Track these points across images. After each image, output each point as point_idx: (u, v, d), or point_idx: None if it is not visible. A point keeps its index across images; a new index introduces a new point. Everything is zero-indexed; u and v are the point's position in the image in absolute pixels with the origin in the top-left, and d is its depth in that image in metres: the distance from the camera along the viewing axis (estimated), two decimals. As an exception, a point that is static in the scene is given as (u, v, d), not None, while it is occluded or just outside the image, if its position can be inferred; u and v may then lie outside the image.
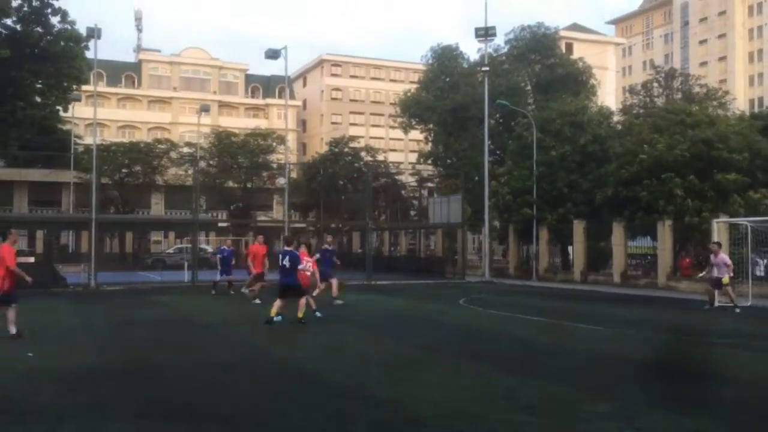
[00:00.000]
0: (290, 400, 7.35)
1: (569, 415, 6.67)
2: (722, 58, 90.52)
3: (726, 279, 17.65)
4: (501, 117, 42.57)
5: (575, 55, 54.00)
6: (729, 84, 78.90)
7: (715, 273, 17.87)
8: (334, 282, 18.34)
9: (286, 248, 14.07)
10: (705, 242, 26.14)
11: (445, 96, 44.43)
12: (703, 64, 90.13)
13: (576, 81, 44.06)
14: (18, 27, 37.54)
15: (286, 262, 13.52)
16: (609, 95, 68.34)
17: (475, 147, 40.07)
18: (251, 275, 20.08)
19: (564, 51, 54.11)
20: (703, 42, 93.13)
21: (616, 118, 37.88)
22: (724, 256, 18.08)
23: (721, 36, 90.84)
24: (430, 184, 51.57)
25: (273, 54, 31.28)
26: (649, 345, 11.80)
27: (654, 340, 12.35)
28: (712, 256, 18.34)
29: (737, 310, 17.32)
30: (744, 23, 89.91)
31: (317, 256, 18.14)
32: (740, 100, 73.83)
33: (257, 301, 18.58)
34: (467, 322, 15.09)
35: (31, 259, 27.94)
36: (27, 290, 21.86)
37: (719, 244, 18.69)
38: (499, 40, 45.77)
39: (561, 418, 6.56)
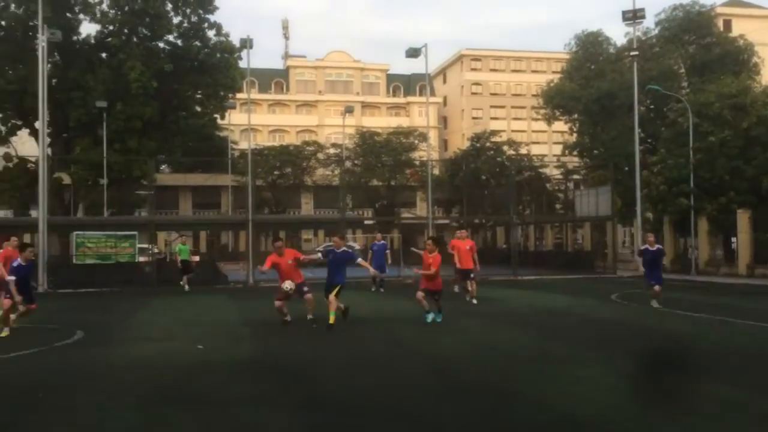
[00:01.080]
0: (440, 396, 7.40)
1: (737, 417, 6.23)
2: None
3: None
4: (652, 103, 40.44)
5: (734, 33, 50.08)
6: None
7: None
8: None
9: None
10: None
11: (590, 84, 42.84)
12: None
13: (736, 60, 40.92)
14: (179, 42, 40.54)
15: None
16: (775, 73, 62.76)
17: (624, 136, 38.30)
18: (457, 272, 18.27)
19: (722, 29, 50.39)
20: None
21: (784, 98, 34.71)
22: None
23: None
24: (576, 177, 49.91)
25: (413, 52, 31.61)
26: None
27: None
28: None
29: None
30: None
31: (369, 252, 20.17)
32: None
33: (474, 301, 17.22)
34: (621, 319, 14.48)
35: (197, 258, 30.06)
36: (193, 287, 23.70)
37: None
38: (649, 22, 43.54)
39: (728, 420, 6.15)
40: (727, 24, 63.77)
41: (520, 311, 16.56)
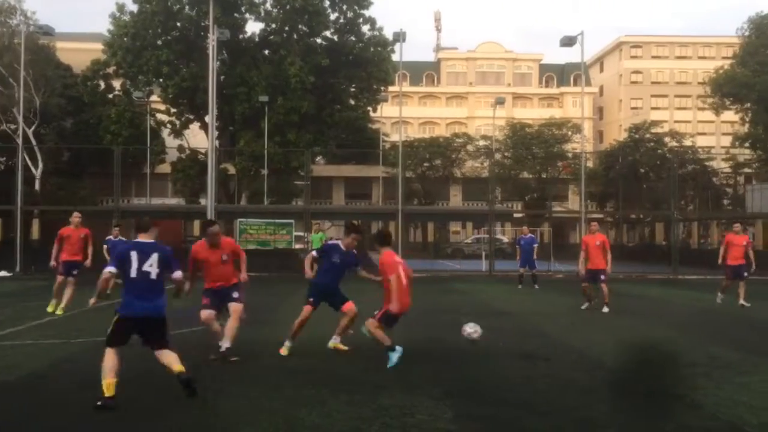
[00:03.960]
0: (590, 392, 7.20)
1: None
2: None
3: None
4: (840, 89, 36.58)
5: None
6: None
7: None
8: (604, 286, 14.76)
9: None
10: None
11: (766, 71, 39.42)
12: None
13: None
14: (335, 38, 41.98)
15: None
16: None
17: (807, 125, 34.95)
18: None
19: None
20: None
21: None
22: None
23: None
24: (747, 170, 46.21)
25: (568, 41, 30.63)
26: None
27: None
28: None
29: None
30: None
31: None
32: None
33: (606, 309, 14.46)
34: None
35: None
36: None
37: None
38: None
39: None
40: None
41: (681, 311, 15.66)
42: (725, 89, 42.64)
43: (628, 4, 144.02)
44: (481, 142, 55.50)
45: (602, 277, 14.47)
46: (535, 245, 21.89)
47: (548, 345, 10.36)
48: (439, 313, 14.50)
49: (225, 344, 8.62)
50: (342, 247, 9.47)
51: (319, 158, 54.38)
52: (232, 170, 44.00)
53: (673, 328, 12.48)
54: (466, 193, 59.21)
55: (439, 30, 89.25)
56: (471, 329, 9.15)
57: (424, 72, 77.52)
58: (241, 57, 40.70)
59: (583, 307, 14.63)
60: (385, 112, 54.41)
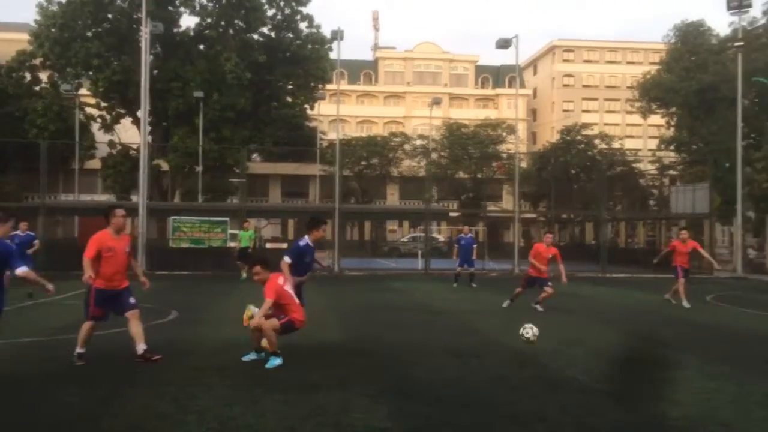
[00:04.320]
0: (521, 389, 7.34)
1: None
2: None
3: None
4: (757, 96, 38.36)
5: None
6: None
7: None
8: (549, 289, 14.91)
9: None
10: None
11: (690, 76, 41.04)
12: None
13: None
14: (272, 34, 41.57)
15: None
16: None
17: (725, 130, 36.51)
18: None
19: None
20: None
21: None
22: None
23: None
24: (672, 172, 48.06)
25: (503, 44, 31.17)
26: None
27: None
28: None
29: None
30: None
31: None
32: None
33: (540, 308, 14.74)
34: (715, 321, 13.88)
35: (284, 245, 30.82)
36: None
37: None
38: (755, 11, 41.17)
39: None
40: None
41: (609, 309, 16.15)
42: (652, 94, 44.24)
43: (562, 9, 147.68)
44: (418, 142, 55.96)
45: (549, 283, 14.75)
46: (475, 245, 22.16)
47: (481, 342, 10.52)
48: (376, 311, 14.56)
49: (141, 347, 8.24)
50: (311, 243, 9.59)
51: (255, 155, 53.80)
52: (165, 167, 43.05)
53: (602, 326, 12.87)
54: (403, 192, 59.57)
55: (377, 29, 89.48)
56: (529, 332, 9.49)
57: (362, 71, 77.56)
58: (176, 51, 39.85)
59: (504, 306, 14.97)
60: (323, 110, 54.24)
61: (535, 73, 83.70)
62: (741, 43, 32.63)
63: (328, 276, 26.48)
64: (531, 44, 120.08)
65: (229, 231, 29.24)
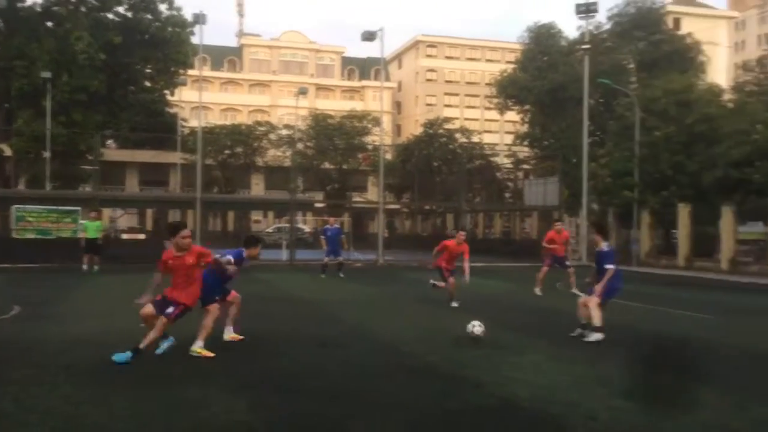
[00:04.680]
0: (385, 378, 7.46)
1: (671, 403, 6.44)
2: None
3: None
4: (602, 97, 41.21)
5: (683, 31, 51.43)
6: None
7: None
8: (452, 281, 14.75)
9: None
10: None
11: (542, 76, 43.40)
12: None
13: (684, 58, 42.01)
14: (129, 14, 39.46)
15: None
16: (720, 72, 64.64)
17: (574, 128, 38.98)
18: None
19: (671, 26, 51.63)
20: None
21: (726, 97, 35.86)
22: None
23: None
24: (526, 166, 50.66)
25: (369, 36, 31.45)
26: (761, 333, 11.20)
27: (765, 328, 11.72)
28: None
29: None
30: None
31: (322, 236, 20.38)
32: None
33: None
34: (564, 307, 14.77)
35: (142, 236, 29.49)
36: (138, 265, 23.24)
37: None
38: (601, 17, 44.26)
39: (665, 406, 6.35)
40: (677, 22, 65.41)
41: (466, 297, 16.75)
42: (508, 91, 46.36)
43: (426, 4, 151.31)
44: (284, 131, 55.40)
45: (452, 278, 14.62)
46: (342, 236, 22.29)
47: (345, 332, 10.59)
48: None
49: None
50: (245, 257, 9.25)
51: (110, 141, 50.96)
52: (8, 151, 39.84)
53: (462, 313, 13.32)
54: (268, 182, 58.77)
55: (241, 15, 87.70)
56: (476, 328, 9.68)
57: (226, 57, 75.65)
58: (20, 28, 36.89)
59: (454, 305, 14.41)
60: (185, 96, 52.32)
61: (400, 66, 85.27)
62: (588, 46, 34.91)
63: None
64: (396, 38, 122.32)
65: (80, 221, 27.56)
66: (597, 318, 9.88)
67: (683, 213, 30.08)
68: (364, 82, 77.52)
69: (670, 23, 54.44)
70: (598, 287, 10.09)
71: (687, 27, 59.46)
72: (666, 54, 41.49)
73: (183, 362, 7.90)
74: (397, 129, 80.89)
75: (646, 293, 17.47)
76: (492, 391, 6.92)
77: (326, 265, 21.49)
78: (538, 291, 16.87)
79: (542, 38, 45.55)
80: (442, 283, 14.75)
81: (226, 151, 52.97)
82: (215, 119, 66.23)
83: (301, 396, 6.60)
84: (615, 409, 6.20)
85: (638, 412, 6.16)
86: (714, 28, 71.81)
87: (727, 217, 28.06)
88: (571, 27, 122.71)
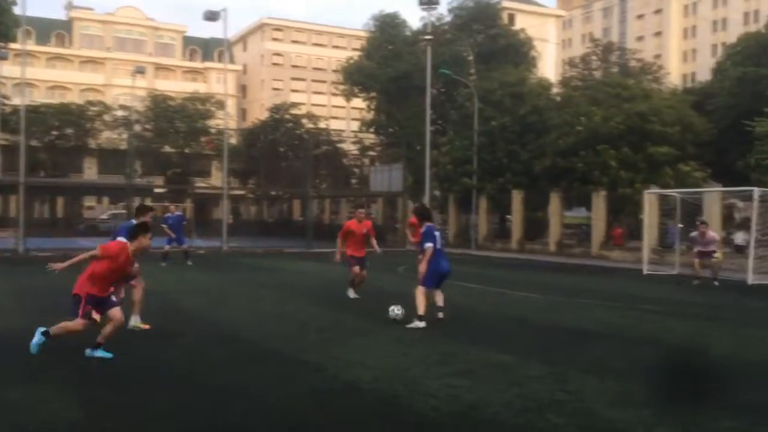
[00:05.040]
0: (225, 366, 7.28)
1: (504, 378, 6.81)
2: (658, 34, 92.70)
3: (720, 255, 17.58)
4: (443, 87, 42.67)
5: (517, 26, 54.39)
6: (664, 59, 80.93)
7: (700, 248, 17.59)
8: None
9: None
10: (637, 213, 27.03)
11: (387, 64, 44.19)
12: (640, 38, 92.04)
13: (517, 52, 44.45)
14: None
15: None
16: (549, 67, 69.26)
17: (417, 116, 40.10)
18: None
19: (506, 22, 54.41)
20: (640, 17, 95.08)
21: (555, 90, 38.45)
22: (712, 234, 17.89)
23: (657, 11, 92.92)
24: (372, 153, 51.47)
25: (212, 15, 30.44)
26: (582, 312, 12.14)
27: (587, 307, 12.72)
28: (696, 235, 17.83)
29: (716, 283, 17.05)
30: None
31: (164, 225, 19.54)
32: (674, 75, 75.78)
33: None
34: (406, 290, 15.18)
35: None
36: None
37: (706, 224, 18.33)
38: (443, 9, 45.69)
39: (496, 381, 6.69)
40: (511, 18, 69.11)
41: (312, 282, 16.78)
42: (354, 78, 46.79)
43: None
44: (120, 112, 52.39)
45: (357, 267, 13.27)
46: (185, 222, 21.62)
47: (186, 321, 10.22)
48: (67, 294, 13.29)
49: None
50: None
51: None
52: None
53: (305, 298, 13.31)
54: (102, 166, 55.25)
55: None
56: (398, 312, 10.15)
57: (54, 31, 70.13)
58: None
59: (351, 296, 13.39)
60: (6, 71, 47.84)
61: (245, 49, 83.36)
62: (430, 37, 35.98)
63: (11, 258, 23.64)
64: (241, 19, 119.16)
65: None
66: (421, 306, 9.94)
67: (516, 199, 31.94)
68: (207, 64, 75.01)
69: (505, 18, 57.35)
70: (421, 268, 10.03)
71: (520, 23, 63.01)
72: (502, 48, 43.70)
73: (8, 361, 7.24)
74: (243, 113, 79.18)
75: (484, 275, 18.40)
76: (334, 374, 6.96)
77: (167, 253, 20.68)
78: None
79: (387, 27, 46.34)
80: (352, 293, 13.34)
81: (54, 132, 49.20)
82: (41, 97, 61.27)
83: (135, 388, 6.27)
84: (454, 387, 6.44)
85: (474, 389, 6.45)
86: (544, 25, 76.74)
87: (554, 203, 30.15)
88: (414, 18, 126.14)
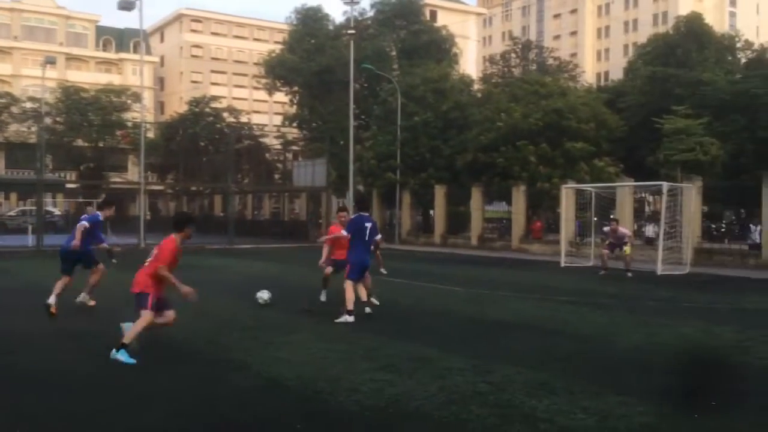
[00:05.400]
0: (147, 367, 7.05)
1: (427, 372, 6.87)
2: (573, 33, 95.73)
3: (627, 249, 18.29)
4: (366, 81, 42.74)
5: (439, 23, 55.00)
6: (579, 57, 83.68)
7: (612, 241, 18.53)
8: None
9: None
10: (554, 207, 27.84)
11: (310, 58, 43.88)
12: (557, 37, 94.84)
13: (439, 48, 44.95)
14: None
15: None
16: (470, 64, 70.34)
17: (341, 111, 40.00)
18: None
19: (428, 18, 54.92)
20: (557, 16, 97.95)
21: (476, 87, 39.14)
22: (623, 230, 18.76)
23: (573, 11, 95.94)
24: (295, 148, 51.03)
25: (126, 5, 29.45)
26: (502, 304, 12.41)
27: (506, 299, 13.01)
28: (609, 231, 18.75)
29: (629, 275, 17.74)
30: (594, 0, 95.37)
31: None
32: (588, 73, 78.55)
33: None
34: (331, 287, 15.13)
35: None
36: None
37: (617, 221, 19.38)
38: (365, 4, 45.72)
39: (420, 375, 6.74)
40: (434, 14, 69.83)
41: (234, 279, 16.51)
42: (277, 72, 46.26)
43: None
44: (29, 104, 50.05)
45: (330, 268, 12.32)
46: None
47: (102, 322, 9.85)
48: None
49: None
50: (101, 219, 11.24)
51: None
52: None
53: (228, 297, 13.07)
54: (10, 161, 52.74)
55: (-26, -30, 77.00)
56: (265, 296, 11.37)
57: (-45, 17, 66.20)
58: None
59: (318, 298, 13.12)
60: None
61: (162, 40, 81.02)
62: (353, 32, 35.91)
63: None
64: (158, 10, 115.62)
65: None
66: (350, 301, 9.95)
67: (439, 193, 32.34)
68: (122, 55, 72.43)
69: (427, 15, 57.89)
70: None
71: (442, 20, 63.74)
72: (424, 44, 44.10)
73: None
74: (161, 106, 76.94)
75: (407, 269, 18.52)
76: (257, 372, 6.86)
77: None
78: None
79: (310, 20, 46.02)
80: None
81: (-43, 125, 46.62)
82: (-58, 87, 57.82)
83: (47, 394, 6.00)
84: (377, 381, 6.45)
85: (398, 383, 6.48)
86: (465, 22, 77.89)
87: (476, 198, 30.69)
88: (337, 12, 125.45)
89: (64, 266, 11.03)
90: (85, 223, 11.15)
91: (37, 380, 6.50)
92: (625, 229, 19.34)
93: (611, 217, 20.04)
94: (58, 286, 10.64)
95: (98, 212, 11.43)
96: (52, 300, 10.27)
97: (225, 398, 5.95)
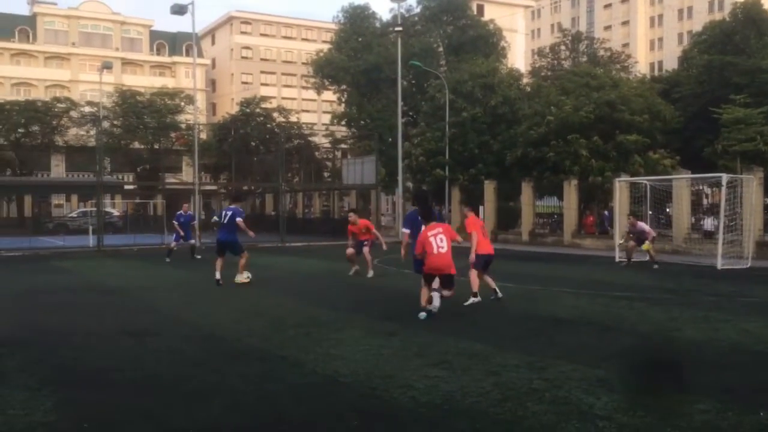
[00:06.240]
0: (204, 364, 7.21)
1: (481, 368, 6.85)
2: (625, 23, 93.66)
3: (647, 245, 18.39)
4: (414, 78, 42.69)
5: (486, 17, 54.55)
6: (631, 48, 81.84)
7: (635, 236, 18.86)
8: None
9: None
10: (608, 201, 27.34)
11: (358, 57, 44.06)
12: (608, 27, 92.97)
13: (487, 43, 44.60)
14: None
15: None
16: (518, 57, 69.62)
17: (389, 108, 40.07)
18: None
19: (475, 12, 54.53)
20: (607, 6, 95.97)
21: (525, 81, 38.68)
22: (642, 225, 18.92)
23: (624, 1, 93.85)
24: (343, 146, 51.34)
25: (179, 9, 30.08)
26: (556, 300, 12.26)
27: (560, 295, 12.85)
28: (629, 226, 19.18)
29: (655, 266, 18.01)
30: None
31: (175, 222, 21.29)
32: (641, 63, 76.78)
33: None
34: (382, 283, 15.22)
35: None
36: None
37: (635, 215, 20.01)
38: (412, 1, 45.63)
39: (473, 371, 6.73)
40: (480, 9, 69.32)
41: (287, 277, 16.72)
42: (325, 71, 46.58)
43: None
44: (87, 109, 51.59)
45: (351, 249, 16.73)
46: (194, 222, 23.05)
47: (160, 321, 10.11)
48: (37, 294, 13.12)
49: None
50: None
51: None
52: None
53: (281, 294, 13.26)
54: (70, 164, 54.50)
55: (34, -20, 79.65)
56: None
57: (17, 26, 68.62)
58: None
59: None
60: (-33, 68, 46.92)
61: (213, 43, 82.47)
62: (400, 29, 35.93)
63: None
64: (208, 13, 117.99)
65: None
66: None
67: (489, 189, 32.11)
68: (175, 58, 74.01)
69: (474, 9, 57.48)
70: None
71: (489, 14, 63.23)
72: (471, 39, 43.81)
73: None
74: (212, 107, 78.37)
75: (457, 266, 18.40)
76: (312, 368, 6.94)
77: (172, 249, 21.79)
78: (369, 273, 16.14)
79: (357, 19, 46.19)
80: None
81: (20, 130, 48.33)
82: (6, 95, 60.05)
83: (112, 390, 6.20)
84: (431, 377, 6.47)
85: (452, 379, 6.48)
86: (513, 15, 77.04)
87: (526, 193, 30.37)
88: (384, 9, 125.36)
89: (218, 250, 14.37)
90: (239, 219, 14.12)
91: (98, 377, 6.72)
92: (646, 226, 19.20)
93: (629, 213, 20.55)
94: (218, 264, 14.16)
95: (233, 206, 14.59)
96: (218, 275, 14.03)
97: (281, 394, 6.05)
